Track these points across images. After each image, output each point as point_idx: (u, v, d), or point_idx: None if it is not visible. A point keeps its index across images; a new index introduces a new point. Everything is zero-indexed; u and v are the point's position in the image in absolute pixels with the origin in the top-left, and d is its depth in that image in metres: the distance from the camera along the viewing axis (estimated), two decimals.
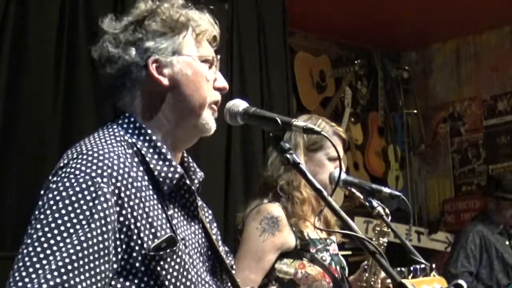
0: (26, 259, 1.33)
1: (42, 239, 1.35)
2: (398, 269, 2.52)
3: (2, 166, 3.15)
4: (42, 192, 1.45)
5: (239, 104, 1.66)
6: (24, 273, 1.32)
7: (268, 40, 4.34)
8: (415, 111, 6.06)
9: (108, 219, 1.39)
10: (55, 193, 1.40)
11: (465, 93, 5.93)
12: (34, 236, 1.36)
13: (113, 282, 1.42)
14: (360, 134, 5.79)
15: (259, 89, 4.21)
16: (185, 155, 1.70)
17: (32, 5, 3.29)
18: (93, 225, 1.37)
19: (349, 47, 5.83)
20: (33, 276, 1.31)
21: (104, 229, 1.38)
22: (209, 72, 1.63)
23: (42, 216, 1.38)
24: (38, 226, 1.37)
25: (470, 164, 5.84)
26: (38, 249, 1.34)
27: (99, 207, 1.39)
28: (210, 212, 1.79)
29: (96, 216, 1.38)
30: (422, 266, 2.38)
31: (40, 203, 1.42)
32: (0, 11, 3.18)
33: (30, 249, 1.34)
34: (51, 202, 1.39)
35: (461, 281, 2.32)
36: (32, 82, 3.25)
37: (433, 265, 2.39)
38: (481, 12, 5.28)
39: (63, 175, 1.43)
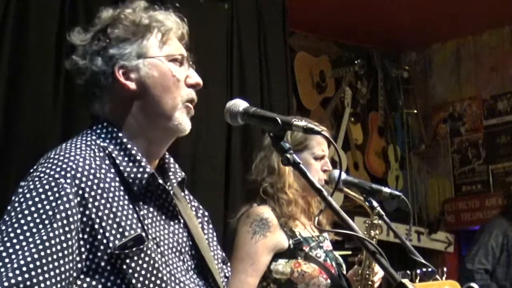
0: None
1: (5, 239, 1.38)
2: (406, 272, 2.52)
3: (2, 166, 3.15)
4: (13, 197, 1.48)
5: (239, 104, 1.66)
6: None
7: (268, 40, 4.34)
8: (415, 111, 6.06)
9: (71, 219, 1.42)
10: (20, 196, 1.45)
11: (465, 93, 5.93)
12: (0, 235, 1.39)
13: (79, 282, 1.44)
14: (360, 134, 5.79)
15: (259, 89, 4.21)
16: (166, 155, 1.70)
17: (32, 5, 3.29)
18: (55, 225, 1.40)
19: (349, 47, 5.83)
20: None
21: (66, 228, 1.41)
22: (179, 71, 1.63)
23: (7, 218, 1.42)
24: (3, 227, 1.41)
25: (470, 164, 5.84)
26: (1, 248, 1.37)
27: (61, 207, 1.42)
28: (206, 213, 1.79)
29: (58, 216, 1.41)
30: (430, 269, 2.37)
31: (8, 207, 1.45)
32: (0, 11, 3.18)
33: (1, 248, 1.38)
34: (16, 205, 1.43)
35: (473, 285, 2.30)
36: (32, 82, 3.25)
37: (445, 269, 2.37)
38: (481, 12, 5.28)
39: (29, 179, 1.48)
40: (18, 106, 3.21)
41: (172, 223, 1.62)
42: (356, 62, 5.65)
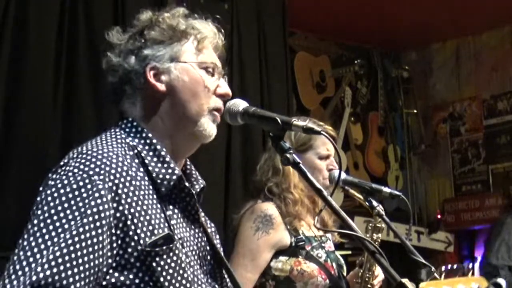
0: (21, 253, 1.39)
1: (37, 234, 1.40)
2: (430, 268, 2.50)
3: (2, 166, 3.15)
4: (41, 188, 1.50)
5: (239, 104, 1.66)
6: (18, 266, 1.37)
7: (268, 40, 4.34)
8: (415, 111, 6.06)
9: (102, 215, 1.44)
10: (53, 189, 1.46)
11: (465, 93, 5.93)
12: (31, 231, 1.42)
13: (108, 276, 1.46)
14: (360, 134, 5.79)
15: (259, 89, 4.21)
16: (188, 163, 1.74)
17: (32, 5, 3.29)
18: (85, 220, 1.42)
19: (349, 47, 5.83)
20: (26, 269, 1.36)
21: (97, 224, 1.43)
22: (210, 79, 1.66)
23: (39, 212, 1.44)
24: (35, 221, 1.43)
25: (470, 164, 5.84)
26: (33, 243, 1.39)
27: (92, 203, 1.43)
28: (213, 225, 1.81)
29: (89, 212, 1.42)
30: (455, 266, 2.35)
31: (38, 199, 1.47)
32: (0, 11, 3.18)
33: (25, 243, 1.40)
34: (49, 199, 1.44)
35: (500, 280, 2.29)
36: (32, 82, 3.25)
37: (470, 265, 2.36)
38: (481, 12, 5.28)
39: (62, 173, 1.49)
40: (18, 106, 3.21)
41: (193, 226, 1.65)
42: (356, 62, 5.65)
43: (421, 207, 6.03)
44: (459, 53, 5.98)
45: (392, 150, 5.99)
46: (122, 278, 1.47)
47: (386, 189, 2.50)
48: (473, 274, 2.29)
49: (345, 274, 2.62)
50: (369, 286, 2.55)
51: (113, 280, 1.46)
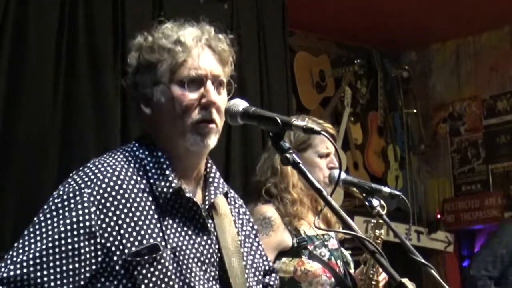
0: (10, 251, 1.55)
1: (25, 235, 1.55)
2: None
3: (2, 166, 3.15)
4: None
5: (239, 104, 1.66)
6: (2, 263, 1.53)
7: (268, 40, 4.34)
8: (415, 111, 6.06)
9: (81, 225, 1.54)
10: (51, 198, 1.60)
11: (464, 93, 5.93)
12: (27, 229, 1.57)
13: (94, 281, 1.56)
14: (359, 134, 5.79)
15: (259, 89, 4.21)
16: (213, 169, 1.77)
17: (32, 5, 3.29)
18: (62, 228, 1.53)
19: (349, 47, 5.83)
20: (2, 264, 1.51)
21: (75, 232, 1.53)
22: (188, 94, 1.64)
23: (40, 213, 1.59)
24: (31, 223, 1.58)
25: (470, 164, 5.84)
26: (19, 243, 1.54)
27: (73, 213, 1.54)
28: (255, 227, 1.88)
29: (68, 221, 1.54)
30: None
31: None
32: (0, 11, 3.18)
33: (20, 242, 1.55)
34: (45, 206, 1.60)
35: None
36: (32, 82, 3.25)
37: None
38: (481, 12, 5.28)
39: (64, 183, 1.63)
40: (18, 106, 3.21)
41: (201, 234, 1.67)
42: (356, 62, 5.64)
43: (421, 207, 6.03)
44: (459, 53, 5.98)
45: (392, 150, 5.99)
46: (107, 283, 1.56)
47: (386, 189, 2.50)
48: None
49: (352, 271, 2.62)
50: (373, 282, 2.55)
51: (99, 285, 1.56)
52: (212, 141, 1.68)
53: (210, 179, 1.75)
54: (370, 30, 5.51)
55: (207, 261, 1.65)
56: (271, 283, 1.87)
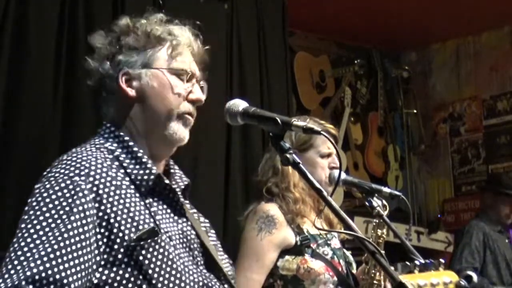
0: (12, 254, 1.45)
1: (26, 234, 1.47)
2: (405, 263, 2.54)
3: (2, 166, 3.15)
4: (28, 200, 1.56)
5: (239, 104, 1.66)
6: (10, 266, 1.42)
7: (268, 40, 4.33)
8: (415, 111, 6.06)
9: (87, 213, 1.50)
10: (37, 196, 1.53)
11: (465, 93, 5.93)
12: (19, 234, 1.48)
13: (98, 274, 1.51)
14: (359, 134, 5.79)
15: (259, 89, 4.21)
16: (171, 163, 1.80)
17: (32, 5, 3.28)
18: (72, 218, 1.47)
19: (349, 47, 5.84)
20: (18, 267, 1.41)
21: (84, 221, 1.49)
22: (182, 85, 1.71)
23: (26, 217, 1.51)
24: (23, 225, 1.50)
25: (470, 164, 5.84)
26: (22, 243, 1.45)
27: (77, 202, 1.50)
28: (207, 221, 1.85)
29: (75, 210, 1.48)
30: (429, 261, 2.41)
31: (26, 208, 1.53)
32: (0, 11, 3.18)
33: (16, 245, 1.46)
34: (34, 204, 1.52)
35: (470, 272, 2.33)
36: (32, 82, 3.25)
37: (442, 260, 2.41)
38: (481, 12, 5.28)
39: (44, 180, 1.57)
40: (18, 106, 3.21)
41: (180, 220, 1.69)
42: (356, 62, 5.65)
43: (421, 207, 6.03)
44: (459, 53, 5.98)
45: (392, 150, 5.99)
46: (112, 274, 1.51)
47: (386, 189, 2.50)
48: (445, 268, 2.34)
49: (354, 271, 2.62)
50: (375, 282, 2.54)
51: (103, 277, 1.51)
52: (188, 134, 1.73)
53: (172, 171, 1.79)
54: (370, 30, 5.51)
55: (191, 246, 1.67)
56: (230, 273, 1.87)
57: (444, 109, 6.04)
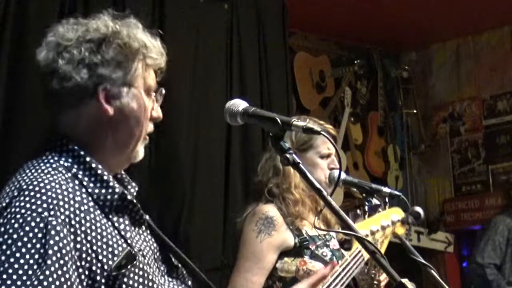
0: None
1: (3, 287, 1.33)
2: (356, 211, 2.59)
3: (2, 166, 3.14)
4: None
5: (238, 104, 1.66)
6: None
7: (268, 40, 4.34)
8: (415, 111, 6.06)
9: (63, 251, 1.38)
10: (6, 237, 1.37)
11: (464, 93, 5.93)
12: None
13: None
14: (359, 134, 5.79)
15: (259, 89, 4.21)
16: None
17: (32, 5, 3.29)
18: (49, 262, 1.36)
19: (349, 47, 5.83)
20: None
21: (61, 262, 1.37)
22: (149, 104, 1.62)
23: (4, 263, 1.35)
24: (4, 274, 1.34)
25: (470, 164, 5.84)
26: None
27: (51, 242, 1.37)
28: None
29: (50, 252, 1.36)
30: (375, 202, 2.45)
31: None
32: (0, 10, 3.18)
33: None
34: (4, 247, 1.36)
35: (418, 208, 2.41)
36: (32, 82, 3.25)
37: (386, 199, 2.46)
38: (481, 12, 5.28)
39: (9, 216, 1.40)
40: (18, 106, 3.21)
41: (141, 231, 1.62)
42: (356, 62, 5.65)
43: (421, 207, 6.02)
44: (459, 53, 5.98)
45: (392, 150, 5.99)
46: None
47: (386, 189, 2.50)
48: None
49: None
50: (375, 282, 2.54)
51: None
52: None
53: (119, 176, 1.68)
54: (370, 30, 5.51)
55: (155, 256, 1.63)
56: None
57: (444, 109, 6.03)
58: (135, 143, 1.61)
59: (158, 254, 1.64)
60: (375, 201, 2.45)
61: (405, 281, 1.45)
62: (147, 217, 1.70)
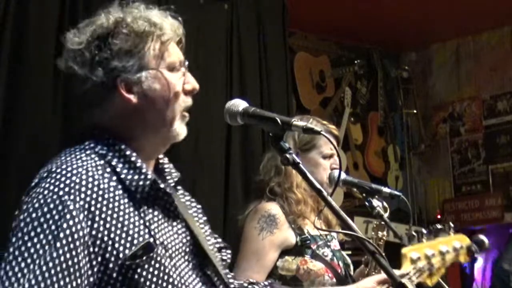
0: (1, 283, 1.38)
1: (13, 262, 1.39)
2: (412, 233, 2.52)
3: (2, 167, 3.14)
4: (16, 212, 1.49)
5: (238, 104, 1.66)
6: None
7: (268, 40, 4.33)
8: (415, 111, 6.06)
9: (76, 236, 1.42)
10: (26, 214, 1.44)
11: (464, 93, 5.93)
12: (8, 258, 1.41)
13: None
14: (359, 134, 5.79)
15: (259, 89, 4.21)
16: (160, 156, 1.72)
17: (32, 5, 3.28)
18: (58, 244, 1.40)
19: (349, 47, 5.84)
20: None
21: (71, 245, 1.41)
22: (178, 80, 1.63)
23: (14, 239, 1.43)
24: (11, 249, 1.42)
25: (470, 164, 5.84)
26: (10, 273, 1.39)
27: (64, 225, 1.41)
28: (199, 206, 1.81)
29: (61, 235, 1.41)
30: (439, 226, 2.38)
31: (14, 224, 1.46)
32: (0, 10, 3.18)
33: (2, 272, 1.40)
34: (22, 224, 1.44)
35: (482, 236, 2.29)
36: (31, 84, 3.25)
37: (451, 224, 2.38)
38: (481, 12, 5.28)
39: (33, 195, 1.47)
40: (18, 106, 3.21)
41: (174, 223, 1.63)
42: (356, 62, 5.65)
43: (421, 207, 6.03)
44: (459, 53, 5.98)
45: (392, 150, 5.99)
46: None
47: (386, 189, 2.50)
48: (454, 233, 2.31)
49: (352, 273, 2.62)
50: None
51: None
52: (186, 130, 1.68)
53: (160, 166, 1.72)
54: (370, 30, 5.51)
55: (187, 250, 1.63)
56: (224, 257, 1.83)
57: (444, 109, 6.03)
58: (170, 122, 1.62)
59: (192, 248, 1.65)
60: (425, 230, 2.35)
61: (405, 281, 1.45)
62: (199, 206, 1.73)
